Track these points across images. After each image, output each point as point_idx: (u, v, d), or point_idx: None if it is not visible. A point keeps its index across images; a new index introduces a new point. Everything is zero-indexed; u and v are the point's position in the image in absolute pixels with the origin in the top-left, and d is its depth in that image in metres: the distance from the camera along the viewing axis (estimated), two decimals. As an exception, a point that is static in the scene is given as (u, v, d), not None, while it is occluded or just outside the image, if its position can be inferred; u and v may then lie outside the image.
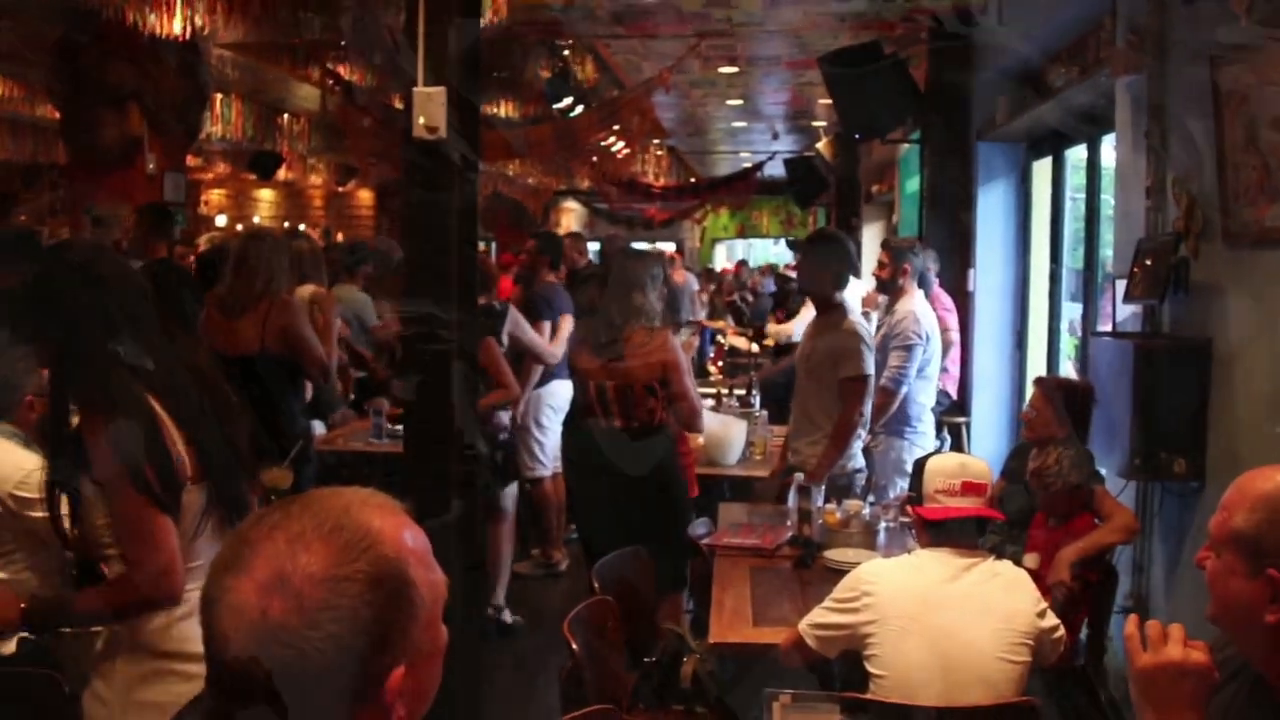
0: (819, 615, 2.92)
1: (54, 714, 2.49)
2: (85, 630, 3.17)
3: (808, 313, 8.77)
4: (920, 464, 3.04)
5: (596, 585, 3.44)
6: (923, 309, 5.63)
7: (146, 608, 2.28)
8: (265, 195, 17.96)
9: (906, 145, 10.09)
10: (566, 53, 9.40)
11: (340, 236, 16.25)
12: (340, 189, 17.61)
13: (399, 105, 9.74)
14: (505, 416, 5.58)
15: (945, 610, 2.77)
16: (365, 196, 18.32)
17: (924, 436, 5.59)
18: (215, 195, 17.04)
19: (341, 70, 9.27)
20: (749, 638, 3.21)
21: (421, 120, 3.49)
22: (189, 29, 7.80)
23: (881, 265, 5.78)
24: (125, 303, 2.33)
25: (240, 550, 1.17)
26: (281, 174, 15.36)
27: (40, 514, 3.54)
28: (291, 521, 1.17)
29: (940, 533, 2.93)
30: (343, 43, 8.93)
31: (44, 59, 8.52)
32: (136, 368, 2.30)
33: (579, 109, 9.36)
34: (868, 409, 4.89)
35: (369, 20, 7.29)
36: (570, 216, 21.16)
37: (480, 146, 3.81)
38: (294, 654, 1.12)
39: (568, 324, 6.17)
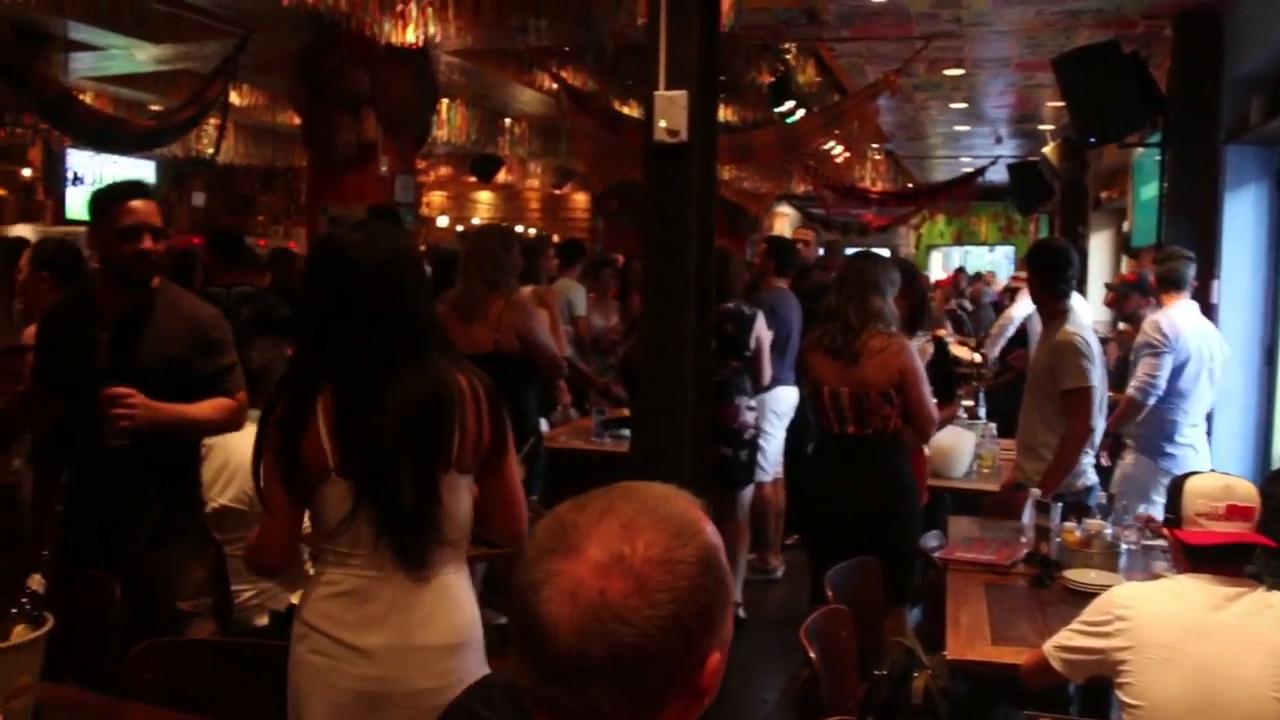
0: (1068, 638, 2.80)
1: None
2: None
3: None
4: (1178, 484, 2.86)
5: (830, 594, 3.38)
6: (1177, 314, 5.36)
7: (255, 561, 2.52)
8: (484, 197, 18.52)
9: (1143, 149, 9.62)
10: (788, 56, 9.34)
11: (556, 238, 16.59)
12: (556, 191, 18.01)
13: (622, 110, 9.98)
14: (752, 416, 5.57)
15: (1209, 641, 2.60)
16: (580, 199, 18.68)
17: (1178, 460, 5.25)
18: (437, 197, 17.67)
19: (566, 75, 9.45)
20: (988, 656, 3.10)
21: (663, 123, 3.51)
22: (422, 37, 8.12)
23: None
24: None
25: (566, 535, 1.17)
26: (501, 177, 15.82)
27: None
28: (619, 507, 1.19)
29: (1202, 558, 2.75)
30: (566, 48, 9.12)
31: (288, 69, 9.00)
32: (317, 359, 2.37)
33: (800, 113, 9.29)
34: (1099, 424, 4.69)
35: (595, 25, 7.41)
36: (783, 221, 21.06)
37: (715, 148, 3.81)
38: (634, 633, 1.12)
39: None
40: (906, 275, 5.09)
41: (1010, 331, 8.61)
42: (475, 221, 17.42)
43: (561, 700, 1.15)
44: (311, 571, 2.62)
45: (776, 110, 9.34)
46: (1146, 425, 5.32)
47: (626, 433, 5.94)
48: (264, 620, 3.82)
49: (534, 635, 1.15)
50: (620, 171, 9.06)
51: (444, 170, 16.58)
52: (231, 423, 3.40)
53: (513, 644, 1.19)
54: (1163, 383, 5.18)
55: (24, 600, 2.32)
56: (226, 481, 3.77)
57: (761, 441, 6.26)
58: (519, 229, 16.87)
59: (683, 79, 3.55)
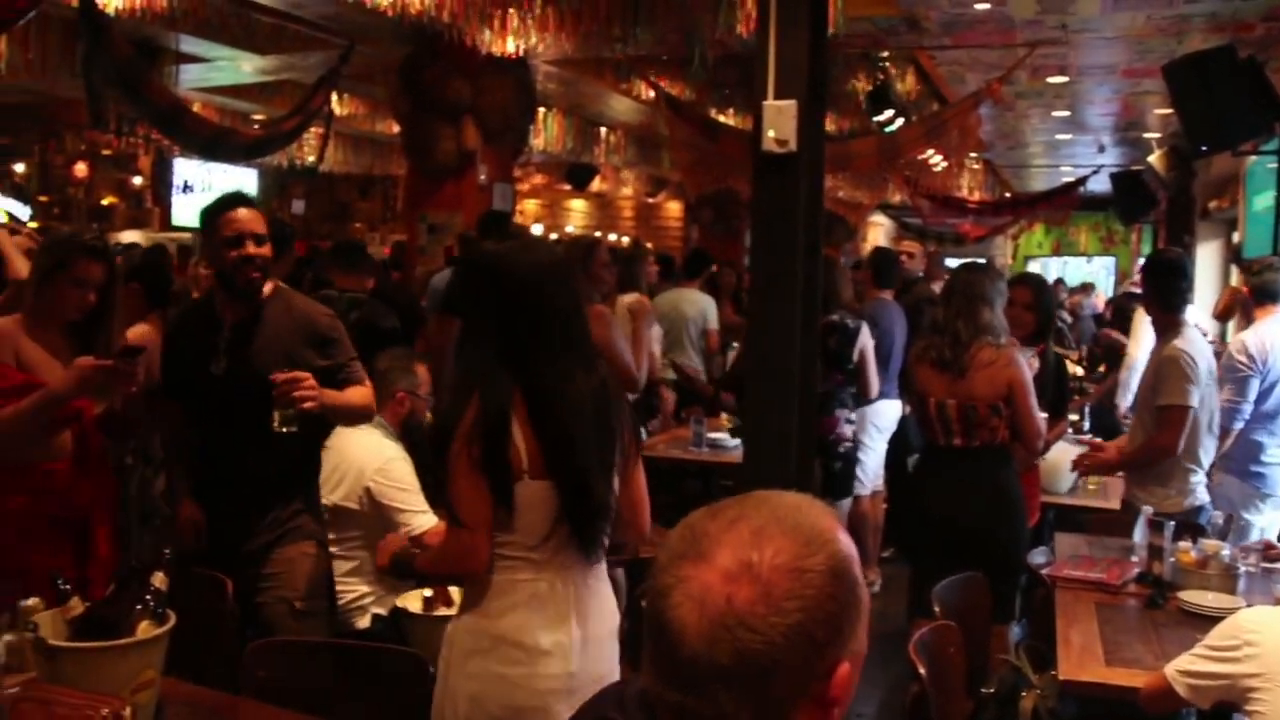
0: (1192, 662, 2.71)
1: (416, 689, 2.63)
2: (434, 614, 3.39)
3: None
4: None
5: (937, 609, 3.33)
6: (1267, 330, 5.15)
7: (450, 571, 2.62)
8: (577, 205, 18.62)
9: (1256, 157, 9.35)
10: (887, 65, 9.26)
11: (649, 246, 16.64)
12: (650, 200, 18.05)
13: (719, 118, 9.97)
14: (850, 430, 5.52)
15: (1341, 669, 2.51)
16: (674, 208, 18.70)
17: (1267, 479, 5.04)
18: (531, 205, 17.80)
19: (664, 83, 9.47)
20: (1102, 678, 3.02)
21: (771, 133, 3.50)
22: (522, 47, 8.19)
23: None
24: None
25: (697, 542, 1.19)
26: (595, 185, 15.90)
27: (389, 502, 3.81)
28: (750, 514, 1.20)
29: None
30: (665, 56, 9.13)
31: (389, 79, 9.15)
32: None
33: (899, 122, 9.20)
34: (1208, 443, 4.56)
35: (696, 34, 7.41)
36: (877, 231, 20.87)
37: (823, 158, 3.78)
38: (759, 640, 1.13)
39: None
40: (1037, 288, 5.00)
41: (1135, 379, 8.25)
42: (569, 230, 17.53)
43: (688, 706, 1.16)
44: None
45: (875, 119, 9.26)
46: (1232, 445, 5.12)
47: (727, 442, 5.94)
48: (365, 622, 3.87)
49: (663, 640, 1.16)
50: (717, 180, 9.06)
51: (538, 179, 16.71)
52: (370, 408, 3.55)
53: (643, 649, 1.20)
54: (1248, 408, 4.99)
55: (148, 597, 2.38)
56: (338, 481, 3.84)
57: (860, 455, 6.19)
58: (612, 237, 16.93)
59: (791, 89, 3.54)
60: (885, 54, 9.13)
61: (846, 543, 1.21)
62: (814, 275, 3.63)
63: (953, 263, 7.08)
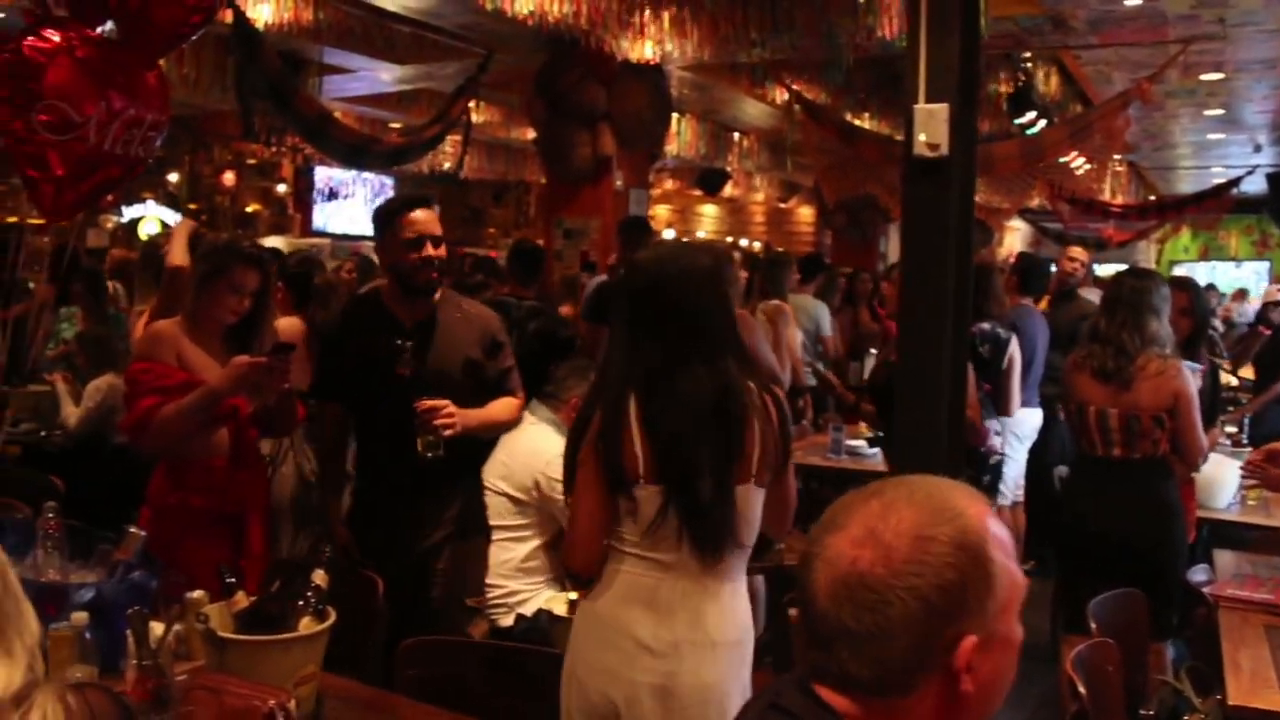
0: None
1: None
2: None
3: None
4: None
5: (1093, 625, 3.22)
6: None
7: (564, 564, 2.68)
8: (708, 210, 18.61)
9: None
10: (1029, 65, 9.04)
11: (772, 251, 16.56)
12: (782, 205, 17.96)
13: (854, 121, 9.86)
14: (999, 441, 5.40)
15: None
16: (805, 213, 18.57)
17: None
18: (662, 210, 17.84)
19: (800, 87, 9.40)
20: (1276, 706, 2.88)
21: (922, 137, 3.43)
22: (658, 53, 8.23)
23: None
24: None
25: (838, 514, 1.29)
26: (727, 190, 15.87)
27: (557, 496, 3.85)
28: (886, 491, 1.29)
29: None
30: (801, 61, 9.07)
31: (525, 86, 9.28)
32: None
33: (1041, 124, 8.97)
34: None
35: (836, 38, 7.34)
36: (1014, 235, 20.40)
37: (974, 163, 3.70)
38: (875, 599, 1.20)
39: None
40: (1193, 292, 4.83)
41: None
42: (700, 235, 17.53)
43: (819, 663, 1.25)
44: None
45: (1016, 122, 9.04)
46: None
47: (865, 450, 5.86)
48: (508, 621, 3.90)
49: (804, 603, 1.27)
50: (854, 185, 8.95)
51: (670, 184, 16.76)
52: (514, 419, 3.60)
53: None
54: None
55: (309, 594, 2.44)
56: (506, 471, 3.89)
57: (1004, 468, 6.03)
58: (743, 243, 16.89)
59: (943, 91, 3.46)
60: (1027, 54, 8.91)
61: (980, 522, 1.25)
62: (965, 282, 3.54)
63: (1101, 270, 6.86)
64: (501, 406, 3.46)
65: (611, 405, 2.44)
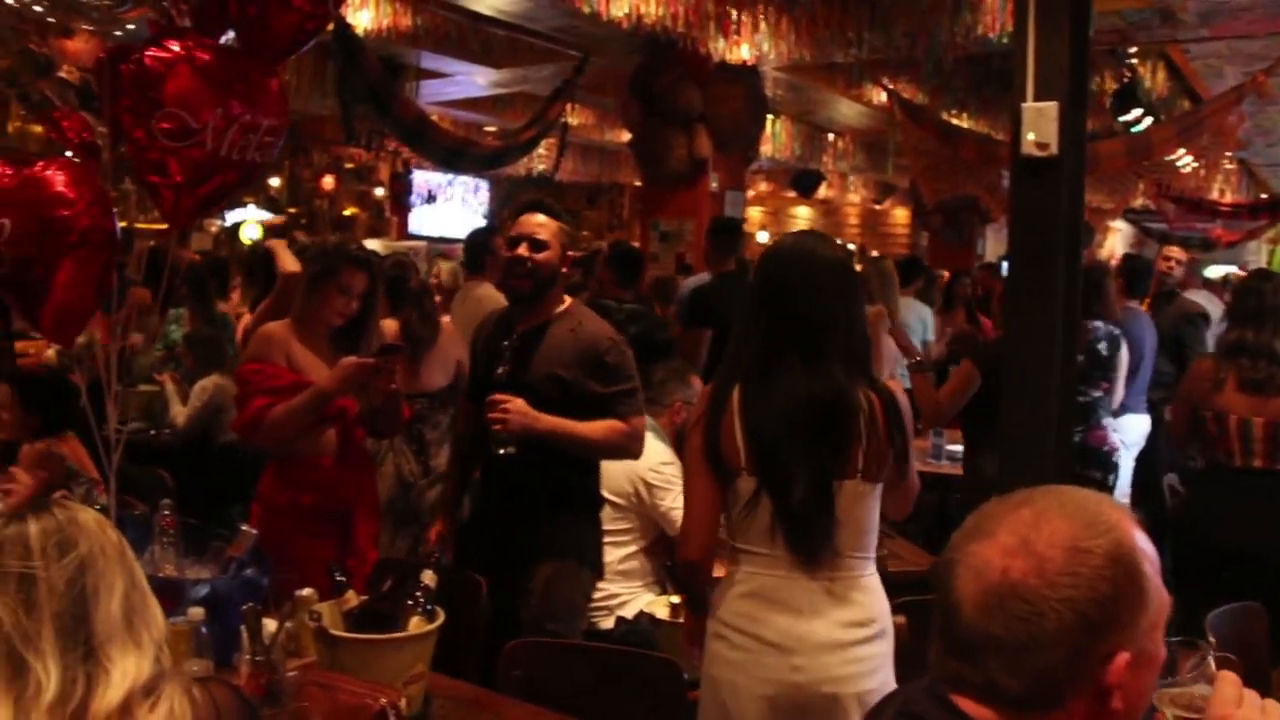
0: None
1: (670, 695, 2.64)
2: (680, 620, 3.40)
3: None
4: None
5: (1212, 639, 3.12)
6: None
7: (679, 557, 2.66)
8: (802, 212, 18.50)
9: None
10: (1135, 61, 8.82)
11: (875, 254, 16.38)
12: (876, 206, 17.78)
13: (953, 121, 9.71)
14: (1116, 438, 5.27)
15: None
16: (900, 214, 18.37)
17: None
18: (755, 212, 17.78)
19: (898, 86, 9.30)
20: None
21: (1031, 136, 3.36)
22: (755, 54, 8.19)
23: None
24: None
25: (983, 522, 1.27)
26: (821, 191, 15.75)
27: (658, 501, 3.85)
28: (1036, 500, 1.26)
29: None
30: (899, 60, 8.96)
31: (619, 89, 9.31)
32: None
33: (1146, 122, 8.74)
34: None
35: (935, 37, 7.25)
36: (1114, 236, 19.93)
37: (1084, 162, 3.61)
38: (1029, 610, 1.18)
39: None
40: None
41: None
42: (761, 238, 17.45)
43: (964, 674, 1.23)
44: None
45: (1121, 119, 8.82)
46: None
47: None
48: (609, 624, 3.91)
49: (945, 611, 1.25)
50: (954, 185, 8.81)
51: (763, 186, 16.69)
52: (624, 447, 3.36)
53: (932, 623, 1.28)
54: None
55: (419, 595, 2.47)
56: (606, 475, 3.91)
57: (1109, 471, 5.89)
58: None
59: (1052, 90, 3.39)
60: (1133, 50, 8.69)
61: (1137, 537, 1.24)
62: (1074, 283, 3.46)
63: (1211, 272, 6.67)
64: (598, 426, 3.27)
65: (718, 394, 2.48)
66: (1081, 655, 1.19)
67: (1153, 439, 6.08)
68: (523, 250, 3.29)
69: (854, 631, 2.42)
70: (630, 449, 3.38)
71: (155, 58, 2.50)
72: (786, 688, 2.39)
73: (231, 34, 2.69)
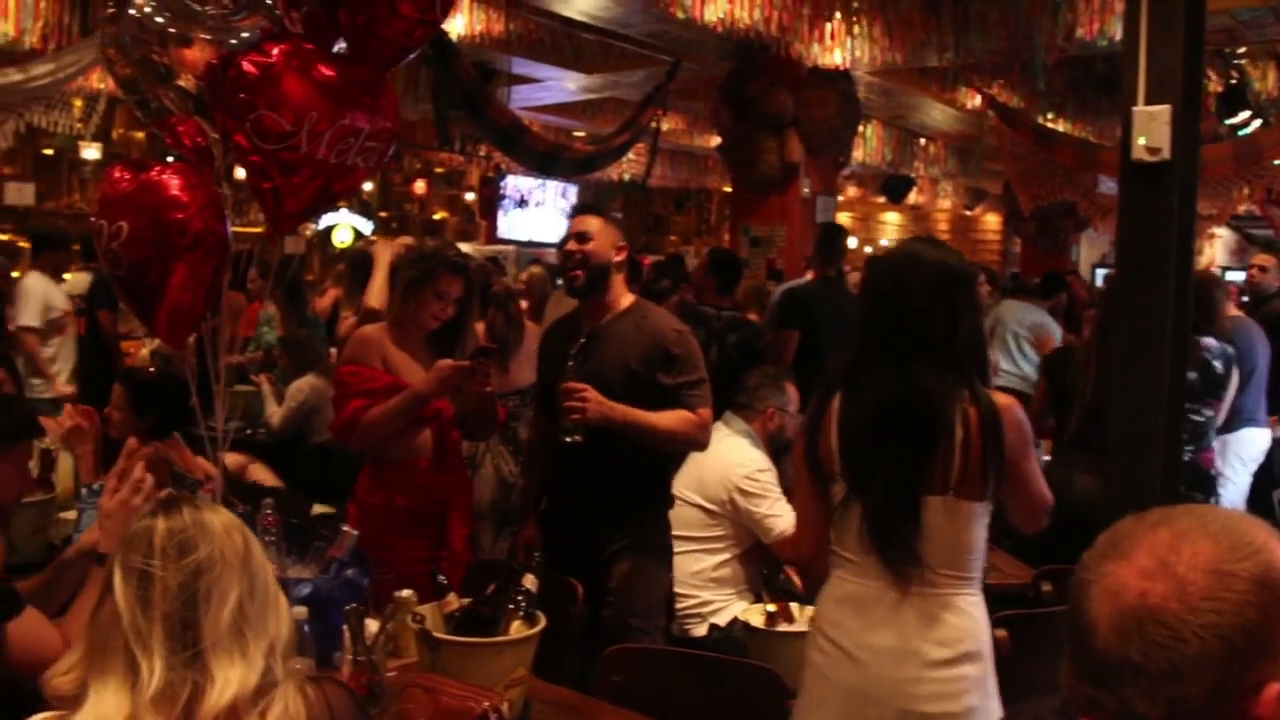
0: None
1: (770, 704, 2.63)
2: (776, 629, 3.38)
3: None
4: None
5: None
6: None
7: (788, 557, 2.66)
8: (891, 218, 18.32)
9: None
10: (1243, 62, 8.56)
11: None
12: (967, 212, 17.53)
13: (1049, 125, 9.53)
14: (1233, 455, 5.13)
15: None
16: (992, 220, 18.10)
17: None
18: (843, 217, 17.64)
19: (992, 90, 9.15)
20: None
21: (1142, 140, 3.27)
22: (848, 59, 8.11)
23: None
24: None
25: (1118, 541, 1.21)
26: (911, 197, 15.58)
27: (752, 508, 3.84)
28: (1175, 520, 1.21)
29: None
30: (994, 64, 8.82)
31: (710, 94, 9.27)
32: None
33: (1254, 125, 8.48)
34: None
35: (1035, 39, 7.12)
36: (1215, 244, 19.40)
37: (1197, 167, 3.51)
38: (1169, 636, 1.13)
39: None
40: None
41: None
42: (883, 243, 17.27)
43: (1099, 700, 1.18)
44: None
45: (1228, 122, 8.57)
46: None
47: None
48: (701, 631, 3.90)
49: (1077, 634, 1.20)
50: (1051, 191, 8.64)
51: (852, 191, 16.54)
52: (694, 437, 3.39)
53: (1064, 645, 1.23)
54: None
55: (520, 598, 2.48)
56: (699, 483, 3.91)
57: (1220, 489, 5.70)
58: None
59: (1164, 93, 3.30)
60: (1241, 50, 8.44)
61: None
62: (1186, 293, 3.36)
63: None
64: (669, 415, 3.31)
65: (820, 397, 2.49)
66: (1227, 685, 1.12)
67: (1272, 454, 5.89)
68: (572, 245, 3.43)
69: (935, 651, 2.35)
70: (699, 439, 3.43)
71: (256, 62, 2.54)
72: (859, 698, 2.36)
73: (342, 43, 2.72)
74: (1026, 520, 2.53)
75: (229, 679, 1.51)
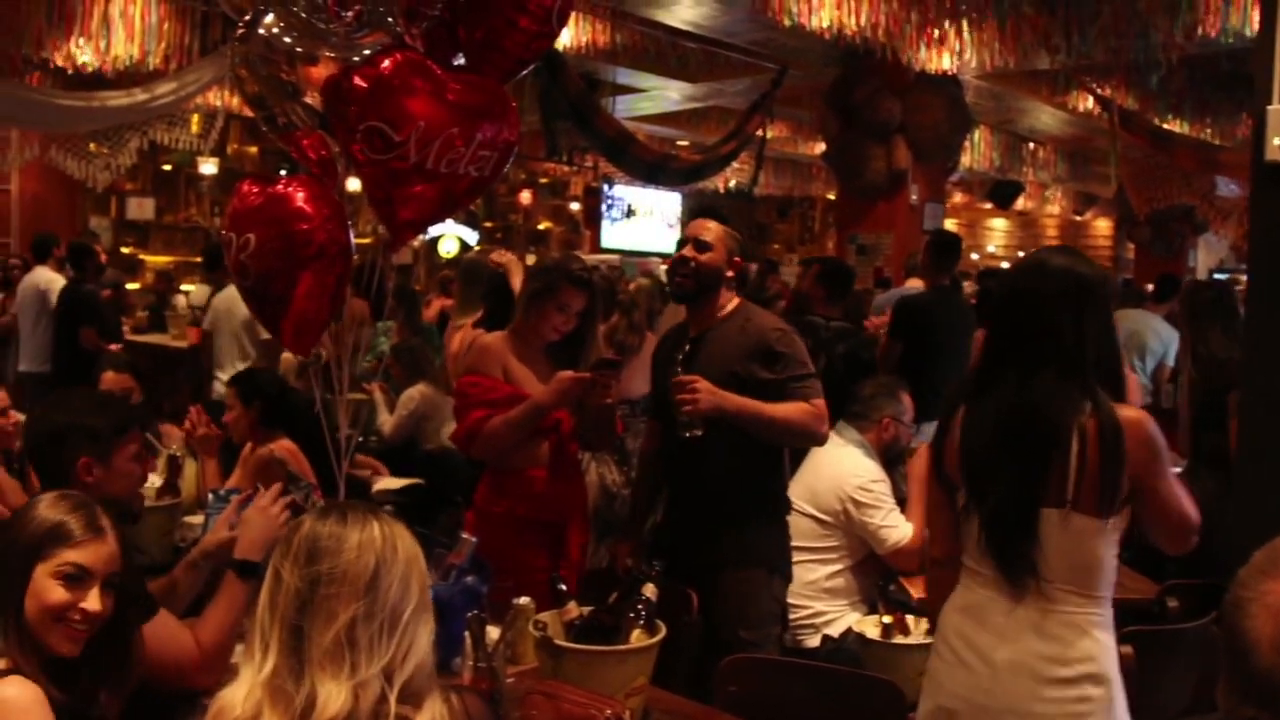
0: None
1: (892, 718, 2.59)
2: (891, 640, 3.33)
3: None
4: None
5: None
6: None
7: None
8: (998, 224, 18.03)
9: None
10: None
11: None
12: (1077, 218, 17.17)
13: (1166, 127, 9.30)
14: None
15: None
16: (1103, 226, 17.69)
17: None
18: (949, 224, 17.39)
19: (1105, 93, 8.95)
20: None
21: (1276, 141, 3.16)
22: (957, 64, 8.00)
23: None
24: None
25: (1278, 557, 1.19)
26: (1019, 203, 15.32)
27: (866, 518, 3.80)
28: None
29: None
30: (1109, 65, 8.63)
31: (815, 102, 9.23)
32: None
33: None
34: None
35: (1152, 40, 6.95)
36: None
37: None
38: None
39: None
40: None
41: None
42: (990, 249, 16.99)
43: None
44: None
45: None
46: None
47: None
48: (814, 642, 3.86)
49: (1237, 654, 1.16)
50: (1168, 194, 8.42)
51: (958, 197, 16.31)
52: (811, 427, 3.30)
53: (1221, 663, 1.20)
54: None
55: (640, 607, 2.48)
56: (811, 492, 3.87)
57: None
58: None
59: (1302, 92, 3.19)
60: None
61: None
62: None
63: None
64: (784, 406, 3.24)
65: (948, 406, 2.47)
66: None
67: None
68: (688, 251, 3.37)
69: (1050, 668, 2.28)
70: (817, 431, 3.33)
71: (367, 75, 2.59)
72: (974, 709, 2.33)
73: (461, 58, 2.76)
74: (1169, 541, 2.42)
75: (328, 694, 1.52)
